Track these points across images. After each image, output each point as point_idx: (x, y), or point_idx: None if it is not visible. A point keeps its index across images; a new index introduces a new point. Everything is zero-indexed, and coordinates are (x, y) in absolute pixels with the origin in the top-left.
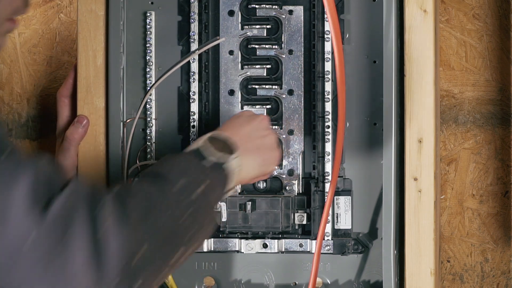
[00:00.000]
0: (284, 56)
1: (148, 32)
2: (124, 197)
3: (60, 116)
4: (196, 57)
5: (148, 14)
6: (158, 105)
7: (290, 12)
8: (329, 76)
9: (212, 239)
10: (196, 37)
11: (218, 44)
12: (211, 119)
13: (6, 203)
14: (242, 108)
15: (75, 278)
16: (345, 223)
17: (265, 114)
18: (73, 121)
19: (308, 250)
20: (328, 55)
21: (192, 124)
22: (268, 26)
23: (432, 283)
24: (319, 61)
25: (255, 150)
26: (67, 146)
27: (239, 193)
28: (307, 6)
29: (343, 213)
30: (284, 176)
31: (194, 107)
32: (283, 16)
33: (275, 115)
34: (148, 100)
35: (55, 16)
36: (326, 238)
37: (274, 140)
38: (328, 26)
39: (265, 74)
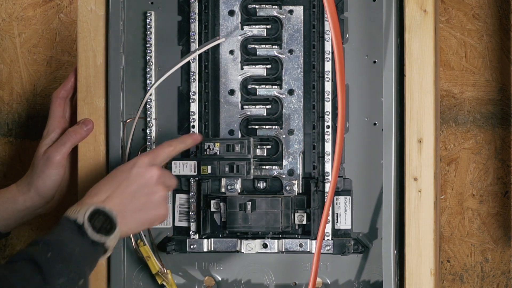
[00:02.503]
0: (284, 56)
1: (148, 32)
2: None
3: (52, 116)
4: (196, 57)
5: (148, 14)
6: (158, 105)
7: (290, 12)
8: (329, 76)
9: (212, 239)
10: (196, 37)
11: (218, 44)
12: (211, 119)
13: None
14: (242, 108)
15: None
16: (345, 223)
17: (265, 113)
18: (78, 121)
19: (308, 250)
20: (328, 55)
21: (192, 124)
22: (268, 26)
23: (432, 283)
24: (319, 61)
25: (138, 211)
26: (64, 140)
27: (239, 193)
28: (307, 6)
29: (343, 213)
30: (284, 176)
31: (194, 107)
32: (283, 16)
33: (275, 115)
34: (148, 100)
35: (55, 16)
36: (326, 238)
37: (162, 197)
38: (328, 26)
39: (265, 74)
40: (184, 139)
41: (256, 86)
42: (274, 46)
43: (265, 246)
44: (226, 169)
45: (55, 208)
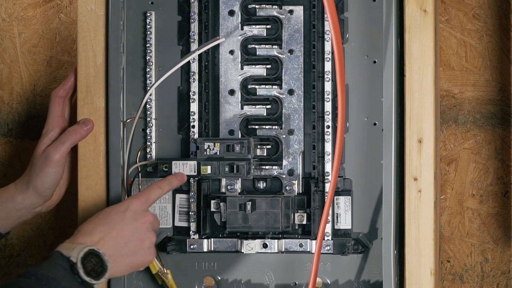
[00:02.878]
0: (284, 56)
1: (148, 32)
2: None
3: (51, 115)
4: (196, 57)
5: (148, 14)
6: (158, 105)
7: (290, 12)
8: (329, 76)
9: (212, 239)
10: (196, 37)
11: (218, 44)
12: (211, 119)
13: None
14: (242, 108)
15: None
16: (345, 223)
17: (265, 113)
18: (78, 121)
19: (308, 250)
20: (328, 55)
21: (192, 124)
22: (268, 26)
23: (432, 283)
24: (319, 61)
25: (129, 256)
26: (63, 140)
27: (239, 193)
28: (307, 6)
29: (343, 213)
30: (284, 176)
31: (194, 107)
32: (283, 16)
33: (275, 115)
34: (148, 100)
35: (55, 16)
36: (326, 238)
37: (152, 243)
38: (328, 26)
39: (265, 74)
40: (170, 180)
41: (256, 86)
42: (274, 46)
43: (265, 246)
44: (226, 169)
45: (54, 207)
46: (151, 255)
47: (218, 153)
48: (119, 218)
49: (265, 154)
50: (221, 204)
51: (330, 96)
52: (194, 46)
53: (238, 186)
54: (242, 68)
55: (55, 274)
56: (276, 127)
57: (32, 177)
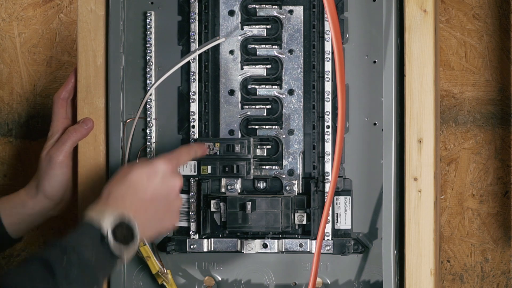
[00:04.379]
0: (284, 56)
1: (148, 32)
2: None
3: (56, 117)
4: (196, 57)
5: (148, 14)
6: (158, 105)
7: (290, 12)
8: (329, 76)
9: (212, 239)
10: (196, 37)
11: (218, 44)
12: (211, 119)
13: None
14: (242, 108)
15: None
16: (345, 223)
17: (265, 113)
18: (78, 121)
19: (308, 250)
20: (328, 55)
21: (192, 124)
22: (268, 26)
23: (432, 283)
24: (319, 61)
25: (157, 221)
26: (65, 139)
27: (239, 193)
28: (307, 6)
29: (343, 213)
30: (284, 176)
31: (194, 107)
32: (283, 16)
33: (275, 115)
34: (148, 100)
35: (55, 16)
36: (326, 238)
37: (179, 207)
38: (328, 26)
39: (265, 74)
40: (196, 150)
41: (256, 86)
42: (274, 46)
43: (265, 246)
44: (226, 169)
45: (65, 209)
46: (177, 219)
47: (218, 153)
48: (150, 183)
49: (265, 154)
50: (221, 204)
51: (330, 96)
52: (194, 46)
53: (238, 186)
54: (242, 68)
55: (82, 244)
56: (276, 127)
57: (40, 181)
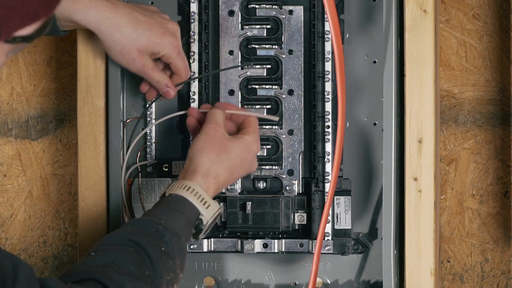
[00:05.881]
0: (284, 56)
1: None
2: None
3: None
4: (196, 57)
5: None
6: (158, 105)
7: (290, 12)
8: (329, 76)
9: (212, 239)
10: (196, 37)
11: (218, 44)
12: None
13: None
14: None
15: None
16: (345, 223)
17: (265, 113)
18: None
19: (308, 250)
20: (328, 55)
21: None
22: (268, 26)
23: (432, 283)
24: (319, 61)
25: (234, 180)
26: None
27: (239, 193)
28: (307, 6)
29: (343, 213)
30: (284, 176)
31: (194, 105)
32: (283, 16)
33: (275, 115)
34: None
35: None
36: (326, 238)
37: (255, 166)
38: (328, 26)
39: (265, 74)
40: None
41: (256, 86)
42: (274, 46)
43: (265, 246)
44: None
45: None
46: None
47: None
48: (243, 164)
49: (265, 154)
50: (221, 204)
51: (330, 96)
52: (194, 46)
53: (238, 186)
54: (242, 68)
55: (178, 228)
56: (276, 127)
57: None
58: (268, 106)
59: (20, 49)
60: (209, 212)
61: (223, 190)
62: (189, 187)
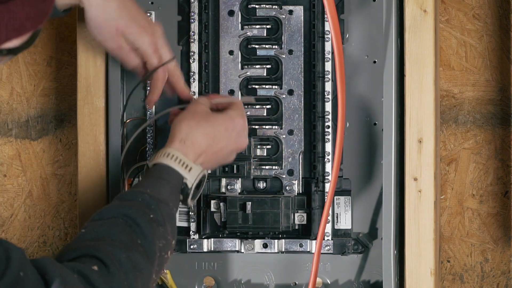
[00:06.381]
0: (284, 56)
1: None
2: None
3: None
4: (196, 57)
5: (148, 14)
6: (158, 105)
7: (290, 12)
8: (329, 76)
9: (212, 239)
10: (196, 37)
11: (218, 44)
12: None
13: None
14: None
15: None
16: (345, 223)
17: (265, 113)
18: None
19: (308, 250)
20: (328, 55)
21: None
22: (268, 26)
23: (432, 283)
24: (319, 61)
25: (217, 163)
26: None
27: (239, 193)
28: (307, 6)
29: (343, 213)
30: (284, 176)
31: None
32: (283, 16)
33: (275, 115)
34: None
35: None
36: (326, 238)
37: (244, 146)
38: (328, 26)
39: (265, 74)
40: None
41: (256, 86)
42: (274, 46)
43: (265, 246)
44: (226, 169)
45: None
46: (234, 156)
47: None
48: (227, 137)
49: (265, 154)
50: (221, 204)
51: (330, 96)
52: (194, 46)
53: (238, 186)
54: (242, 68)
55: (164, 195)
56: (276, 127)
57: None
58: (268, 106)
59: (8, 60)
60: (192, 174)
61: (223, 190)
62: (168, 153)
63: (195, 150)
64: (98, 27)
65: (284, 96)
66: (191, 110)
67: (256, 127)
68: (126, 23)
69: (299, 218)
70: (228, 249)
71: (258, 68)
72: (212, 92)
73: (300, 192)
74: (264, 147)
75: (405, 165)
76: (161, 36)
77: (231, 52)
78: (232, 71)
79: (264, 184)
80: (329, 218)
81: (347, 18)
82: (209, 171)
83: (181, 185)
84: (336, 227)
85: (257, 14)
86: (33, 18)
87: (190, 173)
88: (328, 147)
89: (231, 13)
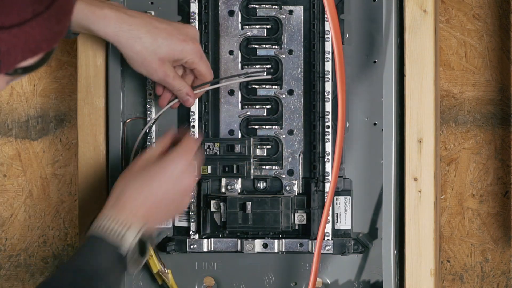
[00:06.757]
0: (284, 56)
1: None
2: None
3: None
4: None
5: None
6: (158, 105)
7: (290, 12)
8: (329, 76)
9: (212, 239)
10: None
11: (218, 44)
12: (211, 119)
13: None
14: (242, 108)
15: None
16: (345, 223)
17: (265, 113)
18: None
19: (308, 250)
20: (328, 55)
21: (192, 124)
22: (268, 26)
23: (432, 283)
24: (319, 61)
25: (163, 218)
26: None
27: (239, 193)
28: (307, 6)
29: (343, 213)
30: (284, 176)
31: (194, 107)
32: (283, 16)
33: (275, 115)
34: (148, 100)
35: None
36: (326, 238)
37: (188, 202)
38: (328, 26)
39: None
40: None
41: (256, 86)
42: (274, 46)
43: (265, 246)
44: (226, 169)
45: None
46: (182, 211)
47: (218, 153)
48: (164, 185)
49: (265, 154)
50: (221, 204)
51: (330, 96)
52: None
53: (238, 186)
54: (242, 68)
55: (99, 267)
56: (276, 127)
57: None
58: (268, 106)
59: (22, 77)
60: (126, 240)
61: (223, 190)
62: (98, 225)
63: (131, 208)
64: (140, 65)
65: (284, 96)
66: (133, 162)
67: (256, 127)
68: (166, 50)
69: (299, 218)
70: (228, 249)
71: (258, 68)
72: (212, 92)
73: (300, 192)
74: (264, 147)
75: (405, 165)
76: (199, 38)
77: (231, 52)
78: (232, 71)
79: (264, 184)
80: (329, 218)
81: (347, 18)
82: (165, 225)
83: (116, 255)
84: (336, 227)
85: (257, 14)
86: (48, 39)
87: (122, 240)
88: (328, 147)
89: (231, 13)
